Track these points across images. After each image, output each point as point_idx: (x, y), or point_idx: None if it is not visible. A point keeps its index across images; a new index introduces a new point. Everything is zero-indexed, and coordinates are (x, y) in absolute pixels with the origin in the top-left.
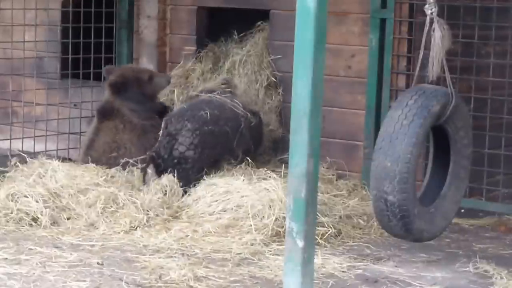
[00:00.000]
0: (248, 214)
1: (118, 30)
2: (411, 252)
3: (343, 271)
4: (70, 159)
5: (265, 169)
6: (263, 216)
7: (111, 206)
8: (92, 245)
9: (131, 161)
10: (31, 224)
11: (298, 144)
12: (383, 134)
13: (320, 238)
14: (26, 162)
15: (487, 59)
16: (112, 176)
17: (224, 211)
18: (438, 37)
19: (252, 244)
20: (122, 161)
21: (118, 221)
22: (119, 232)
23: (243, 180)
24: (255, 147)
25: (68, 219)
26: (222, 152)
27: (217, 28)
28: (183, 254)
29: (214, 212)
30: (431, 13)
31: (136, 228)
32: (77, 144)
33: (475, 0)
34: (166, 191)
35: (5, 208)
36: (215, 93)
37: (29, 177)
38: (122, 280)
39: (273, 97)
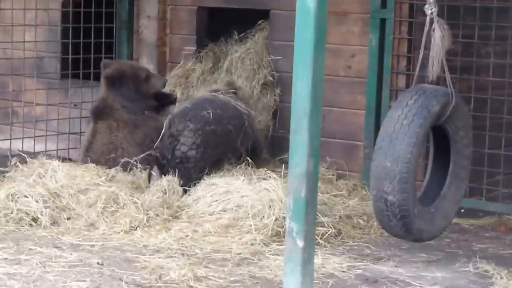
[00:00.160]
0: (248, 214)
1: (118, 30)
2: (411, 252)
3: (343, 271)
4: (70, 159)
5: (265, 169)
6: (263, 216)
7: (111, 206)
8: (92, 245)
9: (131, 161)
10: (31, 224)
11: (298, 144)
12: (383, 134)
13: (320, 238)
14: (26, 162)
15: (487, 59)
16: (112, 176)
17: (224, 211)
18: (438, 37)
19: (252, 244)
20: (122, 161)
21: (118, 221)
22: (119, 232)
23: (243, 180)
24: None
25: (68, 219)
26: (225, 151)
27: (217, 28)
28: (183, 254)
29: (214, 212)
30: (431, 13)
31: (136, 228)
32: (77, 144)
33: (475, 0)
34: (166, 191)
35: (5, 208)
36: (219, 92)
37: (29, 177)
38: (122, 280)
39: (269, 96)
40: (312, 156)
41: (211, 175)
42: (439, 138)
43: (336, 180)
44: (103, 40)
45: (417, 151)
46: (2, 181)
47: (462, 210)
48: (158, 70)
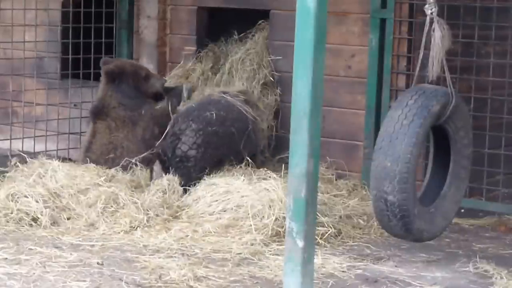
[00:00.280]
0: (248, 214)
1: (118, 30)
2: (411, 252)
3: (343, 271)
4: (70, 159)
5: (265, 169)
6: (263, 216)
7: (111, 206)
8: (92, 245)
9: (133, 161)
10: (31, 224)
11: (298, 144)
12: (383, 134)
13: (320, 238)
14: (26, 162)
15: (487, 59)
16: (112, 176)
17: (224, 211)
18: (438, 37)
19: (252, 244)
20: (123, 160)
21: (118, 221)
22: (119, 232)
23: (243, 180)
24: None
25: (68, 219)
26: (227, 152)
27: (217, 28)
28: (183, 254)
29: (214, 212)
30: (431, 13)
31: (136, 228)
32: (77, 144)
33: (475, 0)
34: (166, 191)
35: (5, 208)
36: (226, 94)
37: (29, 177)
38: (122, 280)
39: (269, 96)
40: (312, 156)
41: (211, 175)
42: (439, 138)
43: (336, 180)
44: (103, 40)
45: (417, 151)
46: (2, 181)
47: (462, 210)
48: (158, 70)
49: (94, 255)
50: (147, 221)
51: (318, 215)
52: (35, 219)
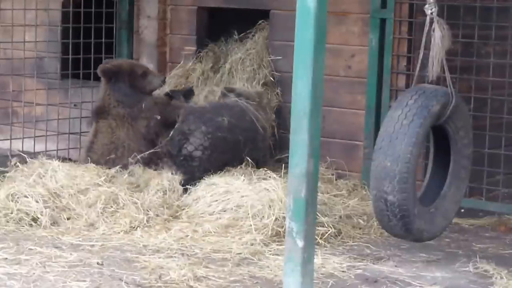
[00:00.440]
0: (248, 214)
1: (118, 31)
2: (411, 252)
3: (343, 271)
4: (70, 159)
5: (265, 169)
6: (263, 216)
7: (111, 206)
8: (92, 245)
9: (138, 156)
10: (31, 224)
11: (298, 144)
12: (383, 134)
13: (320, 238)
14: (26, 162)
15: (487, 59)
16: (112, 176)
17: (224, 211)
18: (438, 37)
19: (252, 244)
20: (130, 159)
21: (118, 221)
22: (119, 232)
23: (243, 180)
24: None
25: (68, 219)
26: (231, 158)
27: (217, 28)
28: (183, 254)
29: (214, 212)
30: (431, 13)
31: (136, 228)
32: (77, 144)
33: (475, 0)
34: (166, 191)
35: (5, 208)
36: (242, 97)
37: (29, 177)
38: (122, 280)
39: (269, 96)
40: (312, 156)
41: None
42: (439, 138)
43: (336, 180)
44: (103, 40)
45: (417, 151)
46: (2, 181)
47: (462, 210)
48: (158, 70)
49: (94, 255)
50: (147, 221)
51: (318, 215)
52: (35, 219)
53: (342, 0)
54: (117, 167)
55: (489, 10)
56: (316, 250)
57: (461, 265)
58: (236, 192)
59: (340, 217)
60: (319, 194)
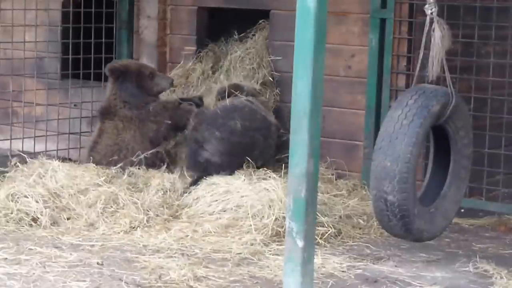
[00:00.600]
0: (248, 214)
1: (118, 31)
2: (411, 252)
3: (343, 271)
4: (70, 159)
5: (265, 169)
6: (263, 216)
7: (111, 206)
8: (92, 245)
9: (141, 156)
10: (31, 224)
11: (298, 144)
12: (383, 134)
13: (320, 238)
14: (26, 162)
15: (487, 59)
16: (112, 177)
17: (224, 211)
18: (438, 37)
19: (252, 244)
20: (133, 159)
21: (118, 221)
22: (119, 232)
23: (243, 180)
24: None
25: (68, 219)
26: (246, 159)
27: (217, 28)
28: (183, 254)
29: (214, 212)
30: (431, 13)
31: (136, 228)
32: (77, 144)
33: (475, 0)
34: (166, 190)
35: (5, 208)
36: (244, 94)
37: (29, 177)
38: (122, 280)
39: (268, 95)
40: (312, 156)
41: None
42: (439, 138)
43: (336, 180)
44: (103, 40)
45: (417, 151)
46: (2, 181)
47: (462, 210)
48: (158, 70)
49: (94, 255)
50: (147, 221)
51: (318, 215)
52: (35, 219)
53: (342, 0)
54: (117, 166)
55: (489, 10)
56: (316, 250)
57: (461, 265)
58: (236, 192)
59: (340, 217)
60: (319, 194)
